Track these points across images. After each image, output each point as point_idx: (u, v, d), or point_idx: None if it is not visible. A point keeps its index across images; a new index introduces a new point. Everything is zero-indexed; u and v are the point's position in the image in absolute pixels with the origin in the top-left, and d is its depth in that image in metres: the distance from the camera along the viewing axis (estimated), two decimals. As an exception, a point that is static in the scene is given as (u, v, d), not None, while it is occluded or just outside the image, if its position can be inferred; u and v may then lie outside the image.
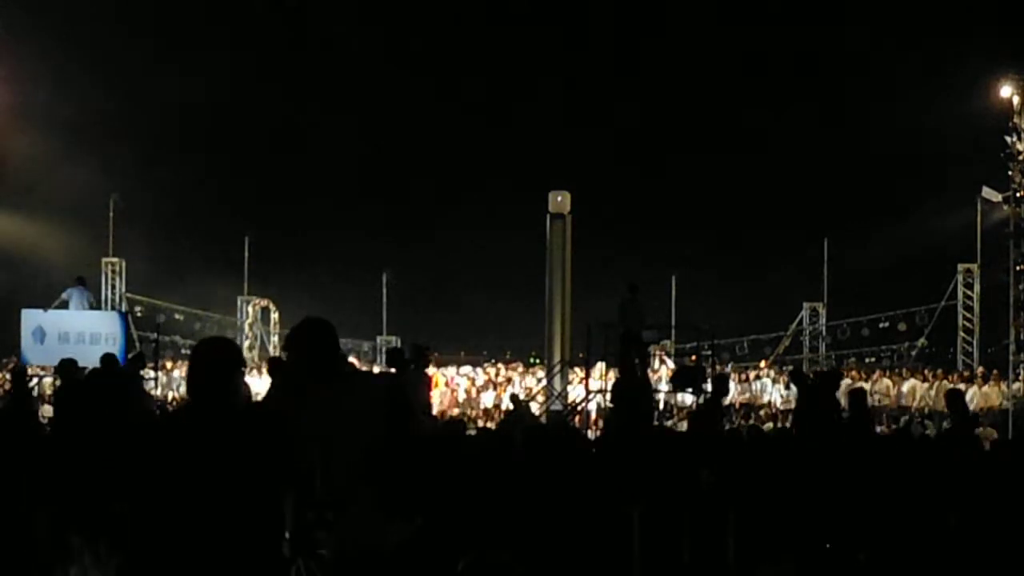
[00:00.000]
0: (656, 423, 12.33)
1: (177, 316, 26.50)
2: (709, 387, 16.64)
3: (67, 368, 10.09)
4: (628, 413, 11.07)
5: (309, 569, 4.47)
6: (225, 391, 4.14)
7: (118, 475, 4.42)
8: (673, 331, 24.66)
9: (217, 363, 4.18)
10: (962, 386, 20.77)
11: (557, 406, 17.98)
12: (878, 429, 16.81)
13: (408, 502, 4.45)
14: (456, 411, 21.66)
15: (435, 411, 20.59)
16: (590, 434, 14.17)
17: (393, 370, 11.09)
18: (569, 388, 18.76)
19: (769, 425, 18.78)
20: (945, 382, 20.99)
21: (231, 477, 4.00)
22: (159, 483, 3.98)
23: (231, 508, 3.98)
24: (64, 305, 17.98)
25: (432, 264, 32.38)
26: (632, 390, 12.14)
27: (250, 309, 28.55)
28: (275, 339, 28.69)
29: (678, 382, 16.94)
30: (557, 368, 19.36)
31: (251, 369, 23.42)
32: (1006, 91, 20.86)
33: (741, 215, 32.31)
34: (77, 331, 17.18)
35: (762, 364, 25.32)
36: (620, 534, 7.08)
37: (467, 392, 23.51)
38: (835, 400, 10.93)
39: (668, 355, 22.83)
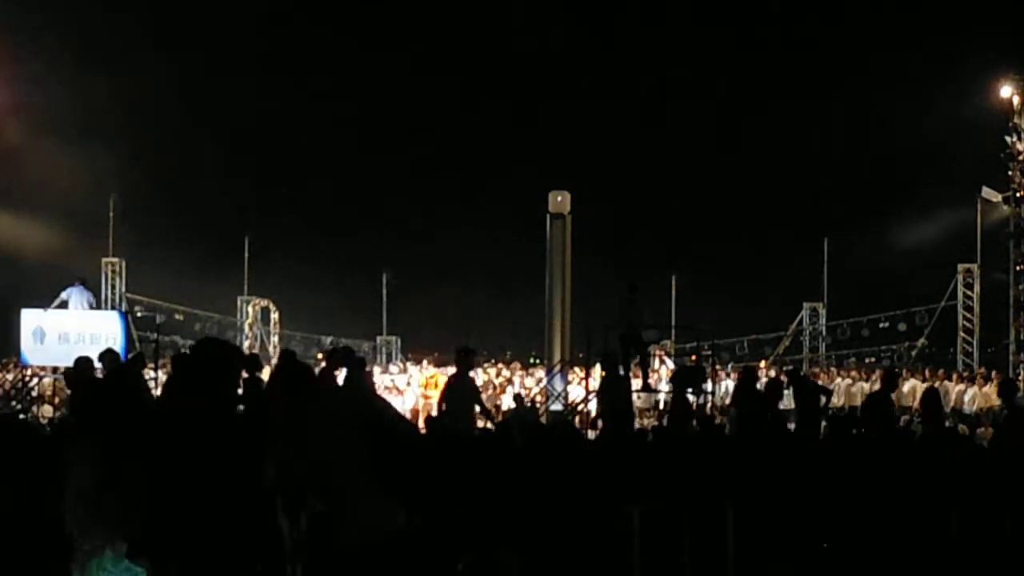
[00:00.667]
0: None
1: (177, 316, 26.50)
2: (710, 387, 16.70)
3: (83, 367, 10.15)
4: (615, 413, 11.01)
5: (312, 564, 4.49)
6: (217, 391, 4.17)
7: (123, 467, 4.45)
8: (673, 331, 24.64)
9: (210, 366, 4.22)
10: (962, 386, 20.80)
11: (557, 406, 17.98)
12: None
13: (401, 498, 4.47)
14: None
15: (435, 412, 20.61)
16: (590, 434, 14.16)
17: (343, 371, 10.78)
18: (569, 388, 18.76)
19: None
20: (946, 382, 21.00)
21: (215, 473, 4.04)
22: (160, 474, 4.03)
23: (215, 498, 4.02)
24: (64, 305, 17.96)
25: (432, 264, 32.36)
26: (620, 390, 12.12)
27: (250, 309, 28.55)
28: (275, 339, 28.69)
29: (678, 382, 16.91)
30: (557, 368, 19.35)
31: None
32: (1006, 91, 20.89)
33: (741, 215, 32.31)
34: (77, 331, 17.19)
35: (762, 364, 25.31)
36: (620, 534, 7.08)
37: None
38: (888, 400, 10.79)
39: (668, 355, 22.82)
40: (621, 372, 14.54)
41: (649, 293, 20.32)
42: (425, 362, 23.19)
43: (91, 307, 18.32)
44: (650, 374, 17.73)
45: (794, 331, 28.69)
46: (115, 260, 26.10)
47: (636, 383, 16.56)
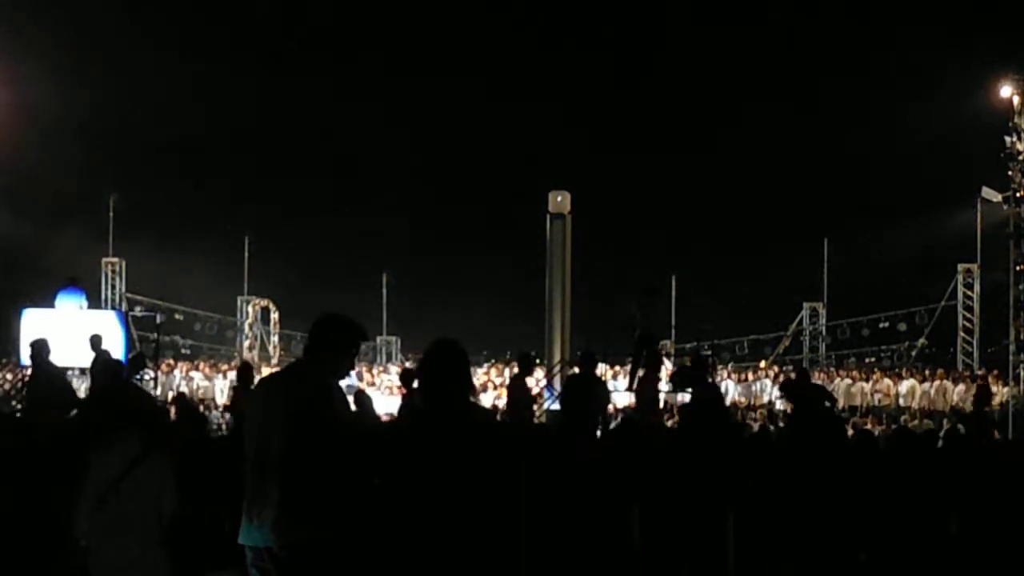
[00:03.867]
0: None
1: (177, 316, 26.48)
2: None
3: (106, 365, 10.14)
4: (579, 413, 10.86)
5: (260, 558, 4.49)
6: (449, 390, 4.25)
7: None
8: (673, 331, 24.64)
9: (439, 363, 4.30)
10: (962, 386, 20.83)
11: (556, 406, 17.95)
12: (876, 430, 16.81)
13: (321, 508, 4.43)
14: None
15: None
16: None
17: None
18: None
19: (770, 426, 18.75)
20: (945, 382, 21.02)
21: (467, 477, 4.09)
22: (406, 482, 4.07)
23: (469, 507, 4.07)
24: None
25: (432, 264, 32.35)
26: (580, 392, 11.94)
27: (250, 309, 28.53)
28: (275, 339, 28.68)
29: (678, 382, 16.89)
30: (557, 368, 19.33)
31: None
32: (1006, 91, 20.85)
33: (741, 215, 32.31)
34: (77, 331, 17.14)
35: (762, 364, 25.31)
36: (620, 534, 7.08)
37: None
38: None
39: (668, 355, 22.82)
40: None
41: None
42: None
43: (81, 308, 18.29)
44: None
45: (794, 331, 28.69)
46: (115, 260, 26.09)
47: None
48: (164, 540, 5.03)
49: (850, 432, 12.80)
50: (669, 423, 19.02)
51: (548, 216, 19.91)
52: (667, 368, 20.21)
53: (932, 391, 20.84)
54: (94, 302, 21.36)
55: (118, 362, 13.20)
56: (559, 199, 19.93)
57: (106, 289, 25.69)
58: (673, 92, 32.59)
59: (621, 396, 19.52)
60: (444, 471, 4.07)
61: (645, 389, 13.46)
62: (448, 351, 4.36)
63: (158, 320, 21.25)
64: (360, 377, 21.34)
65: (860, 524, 7.53)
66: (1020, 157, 20.85)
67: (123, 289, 26.09)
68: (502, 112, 32.27)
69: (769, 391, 22.01)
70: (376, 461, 4.29)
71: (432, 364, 4.32)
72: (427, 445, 4.12)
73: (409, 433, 4.27)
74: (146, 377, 15.77)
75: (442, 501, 4.05)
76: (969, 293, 24.87)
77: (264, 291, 28.86)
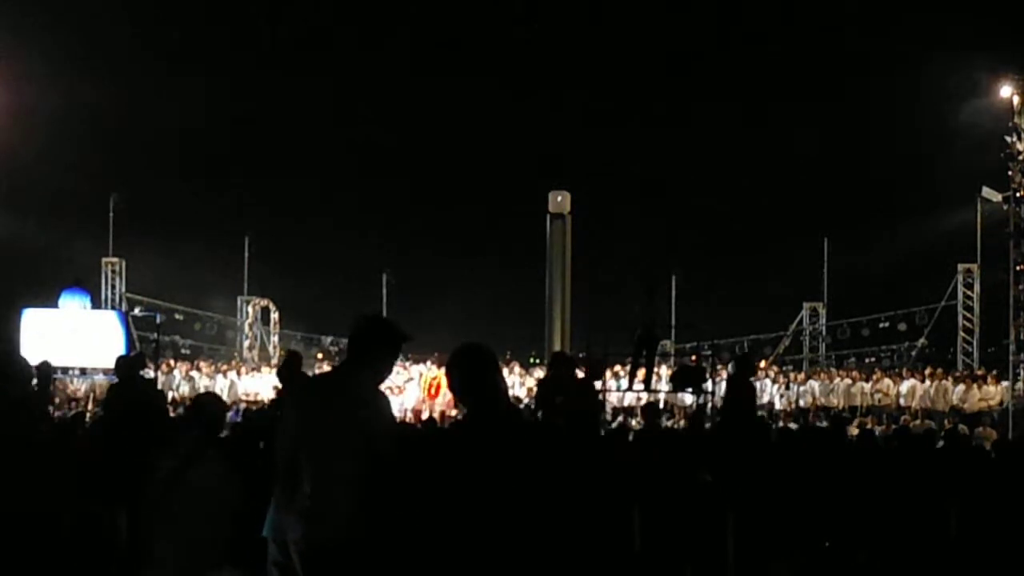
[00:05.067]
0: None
1: (177, 316, 26.48)
2: (710, 387, 16.67)
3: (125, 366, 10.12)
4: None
5: (284, 554, 4.51)
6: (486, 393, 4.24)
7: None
8: (673, 331, 24.63)
9: (470, 367, 4.29)
10: (962, 386, 20.82)
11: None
12: (876, 430, 16.81)
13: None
14: (455, 412, 21.62)
15: (436, 413, 20.66)
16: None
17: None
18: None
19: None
20: (945, 382, 21.02)
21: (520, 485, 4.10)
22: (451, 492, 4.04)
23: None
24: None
25: (432, 264, 32.37)
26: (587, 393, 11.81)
27: (250, 309, 28.53)
28: (275, 339, 28.68)
29: (678, 382, 16.91)
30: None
31: (250, 369, 23.46)
32: (1006, 91, 20.85)
33: (741, 215, 32.33)
34: (77, 331, 17.18)
35: (762, 364, 25.30)
36: (620, 534, 7.08)
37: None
38: None
39: (667, 355, 22.82)
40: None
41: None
42: (428, 362, 23.17)
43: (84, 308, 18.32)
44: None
45: (794, 331, 28.69)
46: (115, 260, 26.08)
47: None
48: (221, 538, 5.11)
49: (853, 432, 12.82)
50: (670, 423, 19.10)
51: (548, 216, 19.95)
52: (667, 367, 20.26)
53: (932, 391, 20.82)
54: (94, 302, 21.37)
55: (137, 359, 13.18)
56: (559, 199, 20.00)
57: (106, 289, 25.67)
58: (674, 92, 32.62)
59: (620, 395, 19.55)
60: (502, 476, 4.06)
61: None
62: (479, 355, 4.36)
63: (158, 320, 21.26)
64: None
65: (860, 524, 7.53)
66: (1020, 157, 20.85)
67: (123, 289, 26.08)
68: (502, 112, 32.30)
69: (769, 391, 22.02)
70: (420, 468, 4.30)
71: (467, 368, 4.32)
72: (480, 450, 4.10)
73: (460, 438, 4.26)
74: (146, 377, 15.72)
75: (501, 506, 4.04)
76: (969, 293, 24.86)
77: (264, 291, 28.87)
